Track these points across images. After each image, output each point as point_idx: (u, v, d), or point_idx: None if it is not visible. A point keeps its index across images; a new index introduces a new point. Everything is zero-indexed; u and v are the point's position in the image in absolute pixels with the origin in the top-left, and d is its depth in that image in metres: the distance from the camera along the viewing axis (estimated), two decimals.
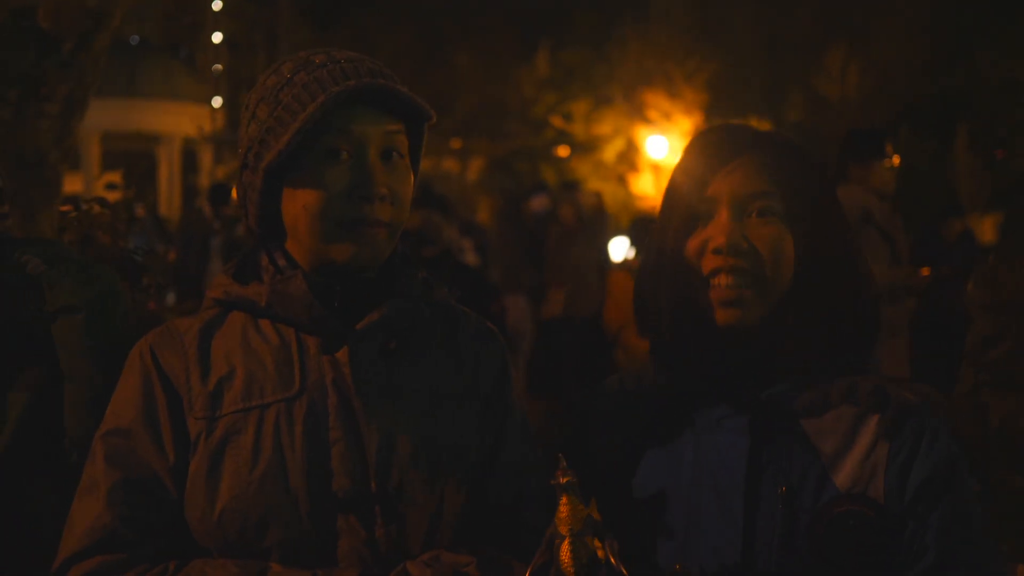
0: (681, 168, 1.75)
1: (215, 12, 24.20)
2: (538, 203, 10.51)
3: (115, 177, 6.20)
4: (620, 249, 10.13)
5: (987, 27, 20.27)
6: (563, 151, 26.52)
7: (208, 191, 12.24)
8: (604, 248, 9.99)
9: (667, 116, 23.91)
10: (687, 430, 1.70)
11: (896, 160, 5.16)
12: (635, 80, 24.37)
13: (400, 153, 1.68)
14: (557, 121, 25.82)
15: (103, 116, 18.89)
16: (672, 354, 1.73)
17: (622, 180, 24.63)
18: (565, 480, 1.45)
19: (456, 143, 27.68)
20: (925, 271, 5.49)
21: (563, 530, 1.43)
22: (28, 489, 2.03)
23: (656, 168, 23.43)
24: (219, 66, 24.65)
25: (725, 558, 1.59)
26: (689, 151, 1.75)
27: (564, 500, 1.45)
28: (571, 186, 12.31)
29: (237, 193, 1.76)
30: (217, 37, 24.50)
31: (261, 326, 1.68)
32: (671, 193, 1.75)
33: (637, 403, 1.78)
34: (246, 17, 24.30)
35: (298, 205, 1.64)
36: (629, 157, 24.70)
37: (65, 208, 2.59)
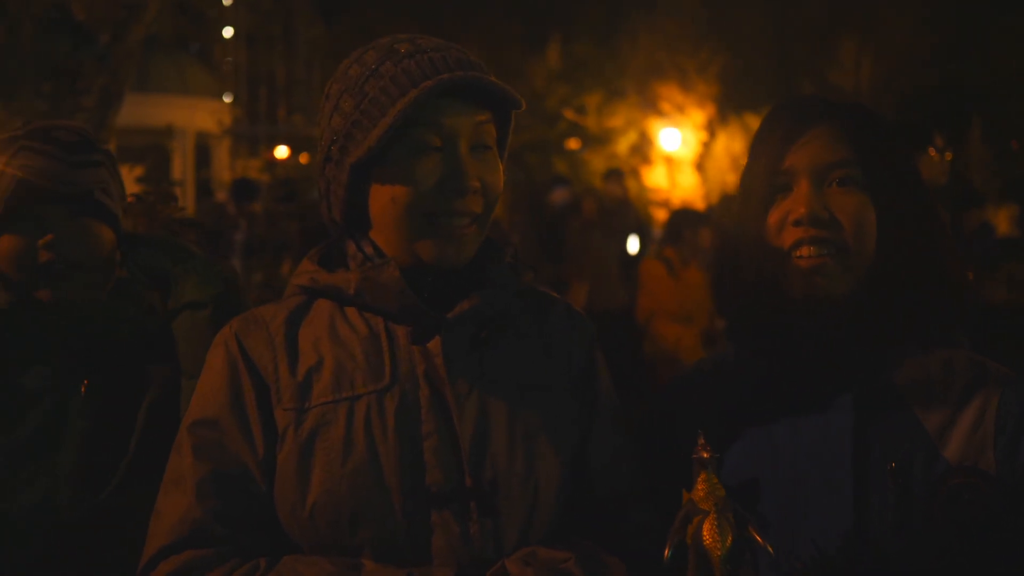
0: (757, 142, 1.72)
1: (226, 6, 24.17)
2: (559, 196, 10.47)
3: (140, 171, 6.20)
4: (633, 244, 10.11)
5: (1001, 15, 20.17)
6: (575, 144, 26.45)
7: (232, 186, 12.20)
8: (626, 240, 9.94)
9: (680, 108, 23.81)
10: (779, 410, 1.66)
11: (948, 154, 5.10)
12: (647, 73, 24.27)
13: (488, 144, 1.65)
14: (569, 114, 25.74)
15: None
16: (756, 333, 1.70)
17: (635, 173, 24.54)
18: (708, 455, 1.43)
19: None
20: None
21: (704, 507, 1.40)
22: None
23: (669, 160, 23.35)
24: (229, 59, 24.61)
25: (835, 538, 1.54)
26: (763, 125, 1.72)
27: (703, 476, 1.42)
28: (616, 173, 12.16)
29: (319, 185, 1.73)
30: (228, 32, 24.47)
31: (348, 315, 1.65)
32: (748, 169, 1.72)
33: (721, 387, 1.76)
34: (262, 10, 24.27)
35: (386, 198, 1.61)
36: (642, 150, 24.60)
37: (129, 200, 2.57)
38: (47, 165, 1.95)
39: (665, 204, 20.70)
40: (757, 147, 1.71)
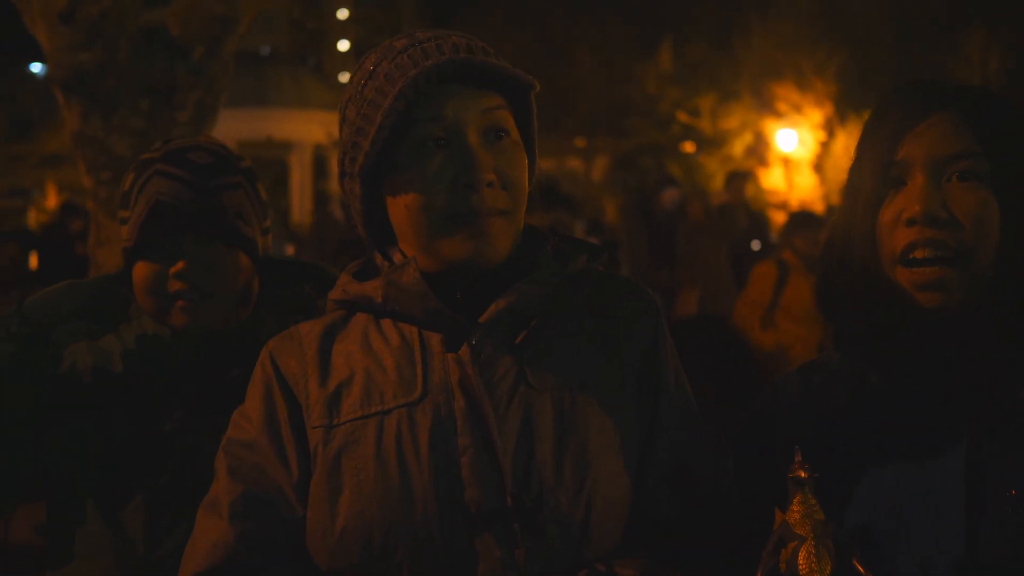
0: (867, 132, 1.54)
1: (340, 20, 24.58)
2: (668, 197, 10.24)
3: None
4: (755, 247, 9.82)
5: None
6: (689, 147, 26.15)
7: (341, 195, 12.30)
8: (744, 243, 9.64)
9: (797, 108, 23.33)
10: (884, 427, 1.48)
11: None
12: (762, 73, 23.86)
13: (505, 130, 1.50)
14: (683, 117, 25.45)
15: (236, 126, 19.33)
16: (862, 344, 1.53)
17: (751, 175, 24.15)
18: (805, 475, 1.29)
19: (580, 142, 27.53)
20: None
21: (800, 531, 1.27)
22: None
23: (786, 162, 22.90)
24: (347, 73, 24.98)
25: (944, 569, 1.37)
26: (875, 112, 1.54)
27: (799, 498, 1.28)
28: (741, 175, 11.80)
29: (345, 200, 1.63)
30: (344, 45, 24.87)
31: (383, 326, 1.54)
32: (857, 161, 1.55)
33: (822, 398, 1.58)
34: (372, 23, 24.62)
35: (400, 206, 1.49)
36: (758, 151, 24.18)
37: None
38: (179, 191, 1.89)
39: (783, 206, 20.25)
40: (867, 137, 1.54)
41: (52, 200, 22.40)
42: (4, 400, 1.86)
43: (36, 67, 25.96)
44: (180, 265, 1.89)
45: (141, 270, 1.92)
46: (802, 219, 7.05)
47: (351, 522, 1.41)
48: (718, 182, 18.04)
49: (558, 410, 1.46)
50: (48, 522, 1.99)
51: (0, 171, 23.80)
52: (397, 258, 1.55)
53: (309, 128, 23.12)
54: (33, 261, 10.94)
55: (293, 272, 2.06)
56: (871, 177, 1.51)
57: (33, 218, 19.47)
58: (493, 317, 1.47)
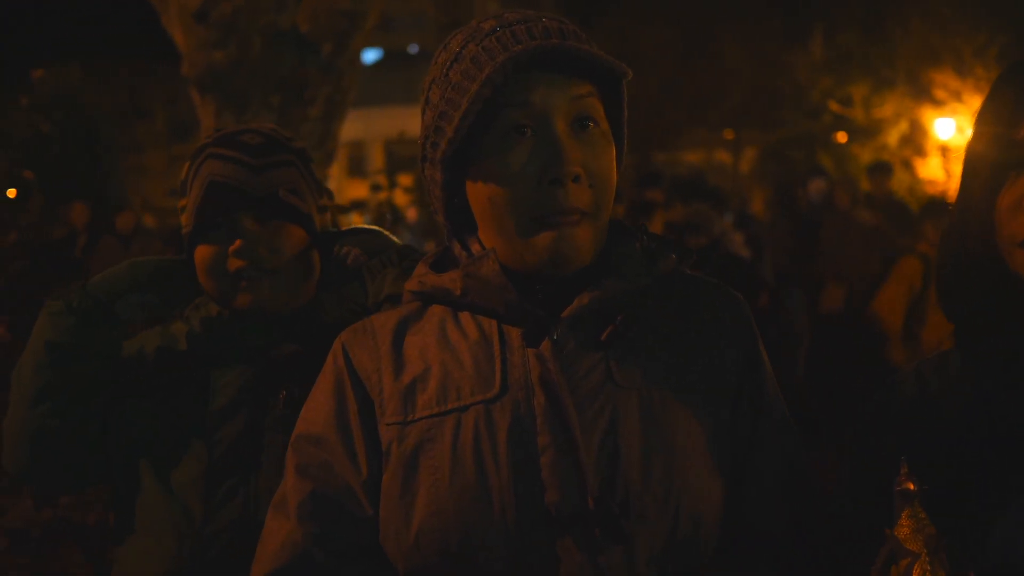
0: (985, 108, 1.42)
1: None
2: (815, 187, 9.92)
3: (382, 179, 6.34)
4: None
5: None
6: (841, 137, 25.44)
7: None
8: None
9: (956, 95, 22.45)
10: (1005, 435, 1.36)
11: None
12: (918, 59, 23.03)
13: (594, 120, 1.43)
14: (834, 106, 24.77)
15: (384, 124, 19.66)
16: (983, 340, 1.41)
17: (907, 165, 23.34)
18: (914, 487, 1.20)
19: (728, 134, 27.10)
20: None
21: (912, 547, 1.17)
22: None
23: (945, 150, 22.05)
24: None
25: None
26: (995, 88, 1.41)
27: (907, 512, 1.19)
28: (882, 168, 11.39)
29: (425, 186, 1.58)
30: None
31: (461, 319, 1.48)
32: (975, 142, 1.42)
33: (939, 399, 1.46)
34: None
35: (483, 197, 1.44)
36: (915, 140, 23.34)
37: (344, 204, 2.55)
38: (232, 170, 1.91)
39: (942, 196, 19.53)
40: (985, 114, 1.42)
41: None
42: (68, 372, 1.90)
43: None
44: (238, 243, 1.89)
45: (201, 253, 1.93)
46: (933, 208, 6.71)
47: (427, 523, 1.36)
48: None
49: (646, 410, 1.38)
50: (114, 497, 2.01)
51: (162, 172, 24.84)
52: (476, 248, 1.50)
53: None
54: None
55: (346, 239, 2.03)
56: (989, 158, 1.38)
57: None
58: (577, 312, 1.41)
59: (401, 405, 1.43)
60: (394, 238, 2.04)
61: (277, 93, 4.18)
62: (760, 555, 1.43)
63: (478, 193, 1.45)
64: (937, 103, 22.59)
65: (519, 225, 1.41)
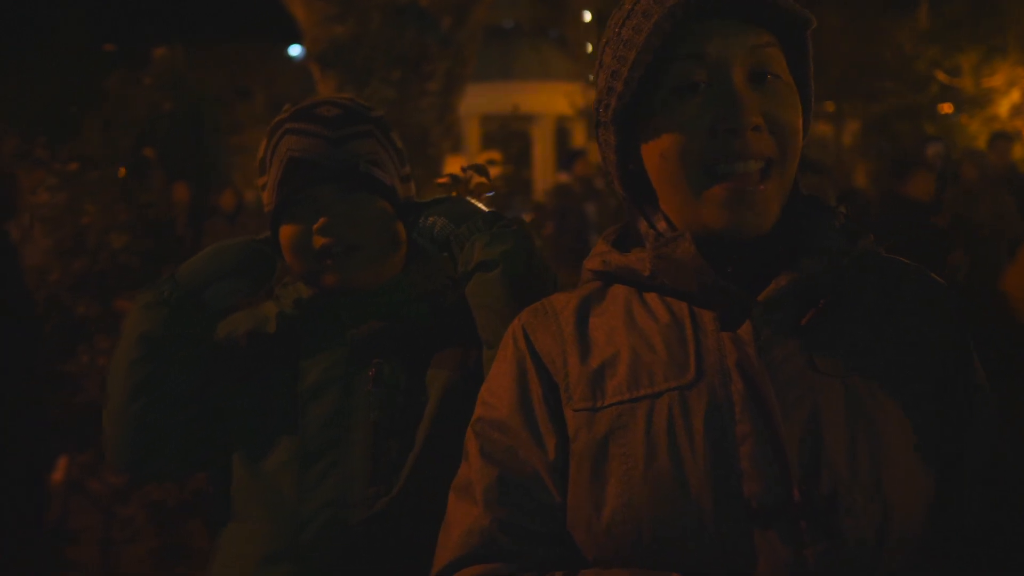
0: None
1: None
2: (932, 151, 9.59)
3: (495, 155, 6.31)
4: None
5: None
6: (947, 108, 24.74)
7: (564, 157, 12.28)
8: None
9: None
10: None
11: None
12: None
13: (774, 73, 1.35)
14: (941, 76, 24.10)
15: (481, 99, 19.64)
16: None
17: (1019, 136, 22.62)
18: None
19: (830, 106, 26.53)
20: None
21: None
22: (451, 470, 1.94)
23: None
24: (590, 45, 24.97)
25: None
26: None
27: None
28: (1006, 136, 10.95)
29: (600, 155, 1.51)
30: (587, 16, 24.84)
31: (648, 300, 1.41)
32: None
33: None
34: None
35: (656, 155, 1.37)
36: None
37: (442, 180, 2.51)
38: (310, 144, 1.86)
39: None
40: None
41: None
42: (164, 365, 1.88)
43: (295, 50, 27.21)
44: (322, 221, 1.85)
45: (286, 232, 1.89)
46: None
47: (619, 513, 1.30)
48: (980, 144, 16.93)
49: (851, 399, 1.30)
50: (211, 486, 2.00)
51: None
52: (662, 226, 1.43)
53: (551, 99, 23.26)
54: None
55: (427, 208, 1.96)
56: None
57: None
58: (774, 295, 1.33)
59: (589, 390, 1.37)
60: (480, 204, 1.96)
61: (397, 67, 4.16)
62: (975, 556, 1.34)
63: (651, 151, 1.38)
64: None
65: (692, 179, 1.34)
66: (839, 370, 1.31)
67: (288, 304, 1.97)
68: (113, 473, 2.06)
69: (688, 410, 1.30)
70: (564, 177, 11.69)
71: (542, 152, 23.96)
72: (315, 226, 1.86)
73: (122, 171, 4.77)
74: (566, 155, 10.14)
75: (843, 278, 1.38)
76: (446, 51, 4.19)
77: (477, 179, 2.43)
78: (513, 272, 1.78)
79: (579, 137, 24.11)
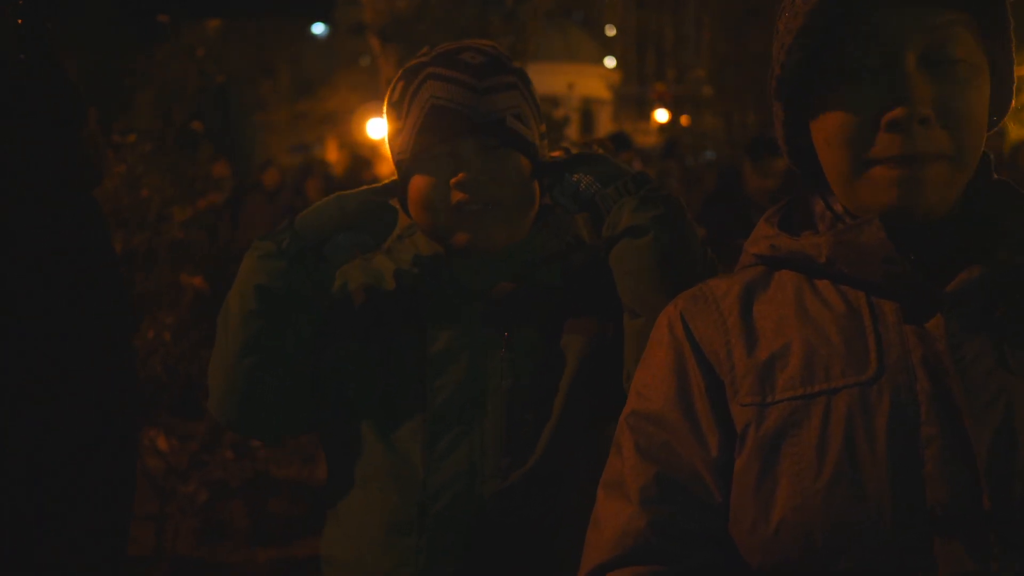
0: None
1: None
2: None
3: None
4: None
5: None
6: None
7: (612, 138, 12.10)
8: None
9: None
10: None
11: None
12: None
13: (951, 56, 1.24)
14: None
15: (540, 81, 19.62)
16: None
17: None
18: None
19: None
20: None
21: None
22: (592, 435, 1.80)
23: None
24: (612, 29, 24.87)
25: None
26: None
27: None
28: None
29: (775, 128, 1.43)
30: None
31: (820, 288, 1.33)
32: None
33: None
34: None
35: (821, 140, 1.29)
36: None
37: (556, 153, 2.43)
38: (455, 93, 1.74)
39: None
40: None
41: (333, 154, 23.43)
42: (280, 320, 1.78)
43: (318, 28, 27.19)
44: (461, 176, 1.74)
45: (419, 183, 1.78)
46: None
47: (789, 516, 1.22)
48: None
49: None
50: (324, 450, 1.91)
51: (286, 128, 25.22)
52: (838, 206, 1.35)
53: (577, 81, 23.19)
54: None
55: (570, 166, 1.84)
56: None
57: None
58: (963, 287, 1.24)
59: (758, 384, 1.29)
60: (623, 164, 1.85)
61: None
62: None
63: (817, 132, 1.31)
64: None
65: (855, 166, 1.26)
66: None
67: (406, 260, 1.87)
68: (222, 424, 1.95)
69: (868, 408, 1.22)
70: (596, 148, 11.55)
71: (567, 135, 23.92)
72: (453, 180, 1.76)
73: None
74: (611, 136, 10.03)
75: None
76: (508, 26, 4.12)
77: (595, 147, 2.34)
78: (663, 239, 1.69)
79: (606, 120, 24.03)
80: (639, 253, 1.70)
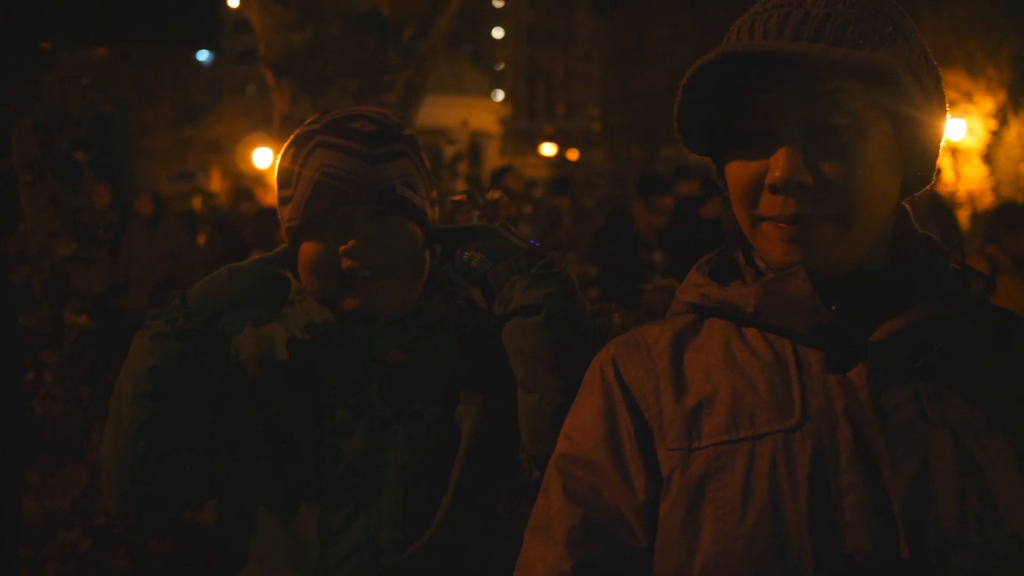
0: None
1: (497, 8, 24.65)
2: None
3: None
4: None
5: None
6: None
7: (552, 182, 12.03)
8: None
9: (967, 96, 22.35)
10: None
11: None
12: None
13: (834, 123, 1.27)
14: None
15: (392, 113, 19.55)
16: None
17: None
18: None
19: None
20: None
21: None
22: (488, 504, 1.81)
23: (954, 152, 21.96)
24: (502, 63, 25.06)
25: None
26: None
27: None
28: None
29: None
30: (499, 32, 24.94)
31: (747, 337, 1.35)
32: None
33: None
34: (544, 6, 24.65)
35: (729, 192, 1.35)
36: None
37: (458, 197, 2.41)
38: (345, 162, 1.74)
39: (950, 197, 19.43)
40: None
41: (216, 184, 23.05)
42: (179, 399, 1.74)
43: (203, 55, 26.80)
44: (351, 243, 1.74)
45: (308, 250, 1.77)
46: (1009, 214, 6.53)
47: (713, 561, 1.23)
48: None
49: (961, 452, 1.24)
50: (218, 527, 1.87)
51: (169, 156, 24.72)
52: (761, 263, 1.39)
53: (466, 114, 23.26)
54: (202, 240, 11.23)
55: (462, 239, 1.85)
56: None
57: (199, 202, 20.02)
58: (886, 338, 1.27)
59: (685, 430, 1.30)
60: (515, 238, 1.86)
61: (355, 77, 4.04)
62: None
63: (728, 188, 1.36)
64: (948, 103, 22.48)
65: (749, 223, 1.33)
66: (950, 420, 1.25)
67: (298, 327, 1.85)
68: (114, 508, 1.88)
69: (792, 455, 1.24)
70: (495, 194, 11.59)
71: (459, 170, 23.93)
72: (342, 247, 1.75)
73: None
74: (494, 172, 10.06)
75: (956, 323, 1.32)
76: (406, 62, 4.09)
77: (493, 194, 2.33)
78: (555, 318, 1.71)
79: (494, 153, 24.14)
80: (531, 332, 1.71)
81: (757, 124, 1.29)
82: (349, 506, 1.73)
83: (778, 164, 1.26)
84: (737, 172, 1.31)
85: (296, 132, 1.84)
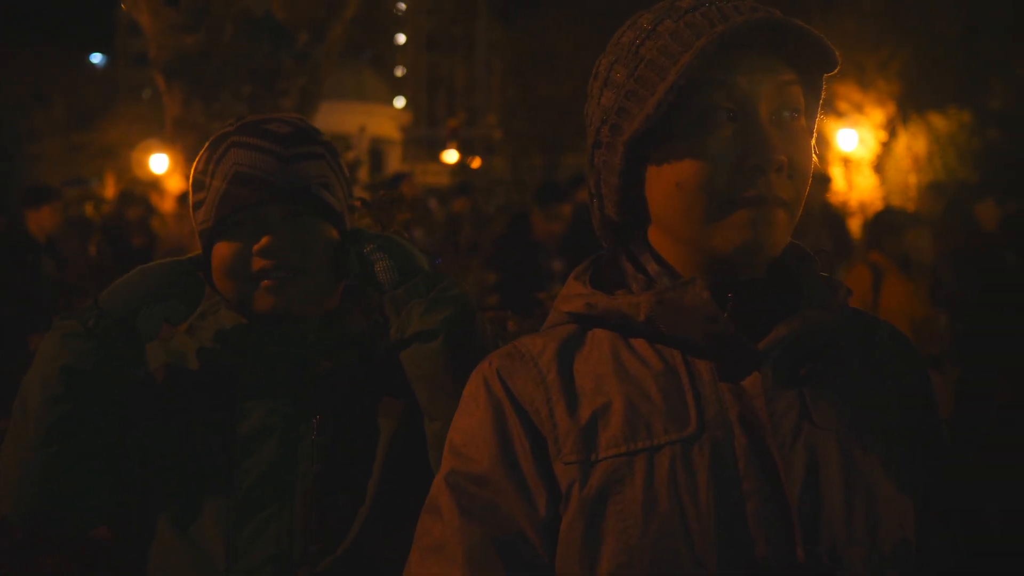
0: None
1: (398, 15, 24.58)
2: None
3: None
4: None
5: None
6: None
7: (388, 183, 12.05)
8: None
9: (858, 108, 22.94)
10: None
11: None
12: None
13: (797, 110, 1.31)
14: None
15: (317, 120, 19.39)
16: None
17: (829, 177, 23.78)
18: None
19: None
20: None
21: None
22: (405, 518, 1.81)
23: (846, 162, 22.52)
24: (401, 69, 25.00)
25: None
26: None
27: None
28: (819, 179, 11.41)
29: (588, 178, 1.43)
30: (401, 38, 24.88)
31: (635, 347, 1.33)
32: None
33: None
34: (445, 14, 24.62)
35: (669, 183, 1.29)
36: (818, 150, 23.77)
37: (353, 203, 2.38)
38: (259, 161, 1.71)
39: (842, 206, 19.91)
40: None
41: (111, 190, 22.53)
42: (91, 400, 1.68)
43: (96, 58, 26.23)
44: (265, 240, 1.71)
45: (222, 251, 1.74)
46: (889, 219, 6.73)
47: (616, 574, 1.23)
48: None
49: (845, 453, 1.28)
50: (115, 538, 1.83)
51: (61, 161, 24.10)
52: (652, 267, 1.37)
53: (366, 120, 23.14)
54: (92, 251, 10.94)
55: (382, 248, 1.81)
56: None
57: (91, 208, 19.56)
58: (774, 344, 1.28)
59: (581, 442, 1.28)
60: (420, 257, 1.83)
61: (249, 82, 3.98)
62: None
63: (664, 177, 1.31)
64: (840, 115, 23.06)
65: (710, 208, 1.28)
66: (833, 423, 1.29)
67: (207, 338, 1.80)
68: (11, 520, 1.76)
69: (691, 465, 1.24)
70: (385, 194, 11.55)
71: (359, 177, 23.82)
72: (256, 246, 1.71)
73: None
74: (391, 178, 10.00)
75: (835, 329, 1.35)
76: (301, 68, 4.05)
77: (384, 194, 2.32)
78: (453, 342, 1.67)
79: (395, 160, 24.05)
80: (430, 358, 1.67)
81: (731, 108, 1.28)
82: (260, 517, 1.69)
83: (762, 143, 1.26)
84: (700, 157, 1.27)
85: (212, 136, 1.80)
